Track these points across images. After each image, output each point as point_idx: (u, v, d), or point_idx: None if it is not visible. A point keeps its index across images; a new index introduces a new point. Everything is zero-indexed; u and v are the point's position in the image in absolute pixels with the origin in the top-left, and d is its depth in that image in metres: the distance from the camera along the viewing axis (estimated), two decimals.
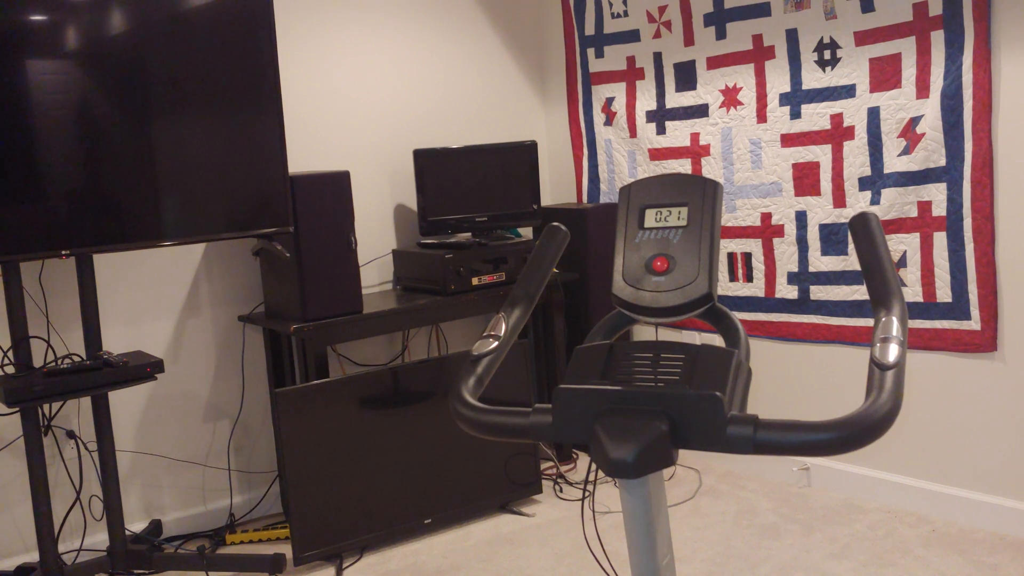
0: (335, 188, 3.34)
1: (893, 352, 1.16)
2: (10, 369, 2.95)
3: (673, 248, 1.26)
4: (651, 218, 1.29)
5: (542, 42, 4.50)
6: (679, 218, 1.27)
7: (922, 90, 3.08)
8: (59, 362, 2.99)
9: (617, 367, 1.26)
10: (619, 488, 1.31)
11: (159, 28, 2.94)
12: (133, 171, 2.92)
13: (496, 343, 1.41)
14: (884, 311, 1.22)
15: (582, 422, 1.24)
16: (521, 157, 4.06)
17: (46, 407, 3.14)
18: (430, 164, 3.90)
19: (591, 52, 4.20)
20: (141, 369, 2.92)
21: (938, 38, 3.02)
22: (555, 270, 3.71)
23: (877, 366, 1.16)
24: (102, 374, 2.87)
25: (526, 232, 4.26)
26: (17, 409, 2.90)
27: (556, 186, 4.56)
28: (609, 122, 4.17)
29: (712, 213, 1.27)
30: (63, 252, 2.84)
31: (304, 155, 3.81)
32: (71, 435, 3.30)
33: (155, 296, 3.50)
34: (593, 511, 3.48)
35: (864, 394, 1.15)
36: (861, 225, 1.30)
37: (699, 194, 1.27)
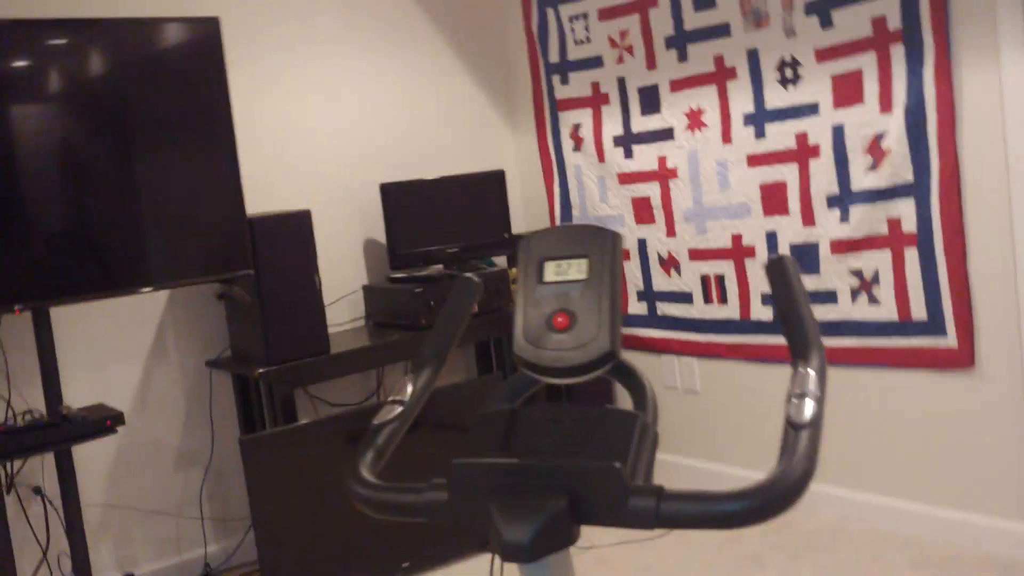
0: (296, 228, 3.30)
1: (808, 409, 1.09)
2: None
3: (574, 303, 1.18)
4: (551, 271, 1.22)
5: (508, 70, 4.46)
6: (579, 271, 1.20)
7: (885, 105, 3.04)
8: (18, 419, 2.93)
9: (518, 436, 1.18)
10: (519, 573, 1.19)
11: (105, 71, 2.89)
12: (86, 221, 2.87)
13: (400, 408, 1.32)
14: (801, 362, 1.14)
15: (477, 500, 1.13)
16: (489, 186, 4.01)
17: (7, 465, 3.07)
18: (398, 197, 3.85)
19: (556, 79, 4.16)
20: (100, 423, 2.87)
21: (898, 52, 2.98)
22: None
23: (791, 425, 1.08)
24: (60, 430, 2.81)
25: (500, 261, 4.21)
26: None
27: (529, 213, 4.51)
28: (577, 148, 4.12)
29: (612, 265, 1.19)
30: (16, 307, 2.78)
31: (268, 195, 3.73)
32: (37, 491, 3.23)
33: (120, 343, 3.43)
34: None
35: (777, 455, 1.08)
36: (777, 270, 1.22)
37: (599, 245, 1.20)
